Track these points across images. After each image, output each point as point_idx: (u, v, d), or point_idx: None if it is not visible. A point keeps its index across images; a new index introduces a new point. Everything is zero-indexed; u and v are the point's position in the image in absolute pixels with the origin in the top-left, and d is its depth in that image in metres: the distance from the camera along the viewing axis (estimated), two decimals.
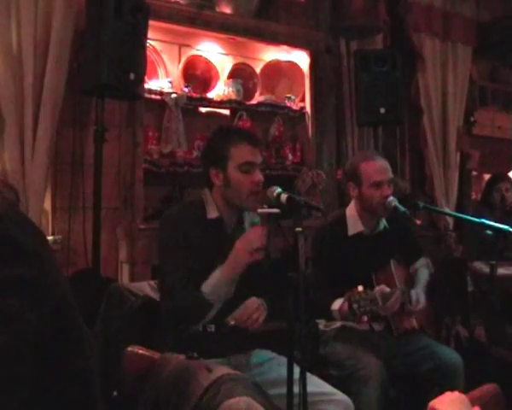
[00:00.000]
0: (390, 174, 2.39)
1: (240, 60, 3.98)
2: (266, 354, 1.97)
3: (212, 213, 1.91)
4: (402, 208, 2.31)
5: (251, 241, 1.75)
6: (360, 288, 2.00)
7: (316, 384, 1.81)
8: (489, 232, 2.16)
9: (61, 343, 0.84)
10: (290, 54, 4.13)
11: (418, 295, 2.36)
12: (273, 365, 1.91)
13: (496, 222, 2.23)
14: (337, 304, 2.14)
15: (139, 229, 3.19)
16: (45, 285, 0.80)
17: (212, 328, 1.83)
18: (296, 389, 1.55)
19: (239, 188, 1.86)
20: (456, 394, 1.04)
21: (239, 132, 2.03)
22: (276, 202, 1.78)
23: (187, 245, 1.81)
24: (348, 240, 2.42)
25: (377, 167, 2.36)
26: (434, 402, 1.02)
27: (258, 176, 1.88)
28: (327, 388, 1.83)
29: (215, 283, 1.75)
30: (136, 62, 2.89)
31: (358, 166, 2.39)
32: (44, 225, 3.05)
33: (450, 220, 4.65)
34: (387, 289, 2.17)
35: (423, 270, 2.56)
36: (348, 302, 2.01)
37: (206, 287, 1.75)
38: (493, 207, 3.88)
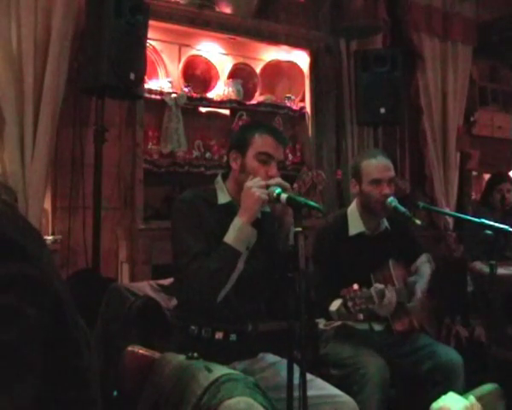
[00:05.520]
0: (391, 174, 2.38)
1: (240, 60, 3.99)
2: (270, 358, 1.96)
3: (223, 199, 1.92)
4: (402, 209, 2.30)
5: (255, 181, 1.80)
6: (355, 286, 2.01)
7: (319, 387, 1.79)
8: (489, 232, 2.16)
9: (57, 342, 0.84)
10: (290, 54, 4.13)
11: (415, 285, 2.35)
12: (277, 369, 1.89)
13: (496, 222, 2.23)
14: (335, 305, 2.14)
15: (139, 229, 3.19)
16: (43, 283, 0.81)
17: (220, 335, 1.83)
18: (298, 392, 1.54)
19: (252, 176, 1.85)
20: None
21: (267, 125, 2.04)
22: (275, 203, 1.79)
23: (201, 226, 1.83)
24: (349, 240, 2.42)
25: (378, 165, 2.37)
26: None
27: (274, 170, 1.87)
28: (330, 390, 1.80)
29: (236, 230, 1.77)
30: (136, 62, 2.90)
31: (360, 164, 2.41)
32: (44, 225, 3.05)
33: (451, 220, 4.64)
34: (381, 286, 2.16)
35: (425, 265, 2.55)
36: (343, 301, 2.01)
37: (229, 237, 1.77)
38: (493, 208, 3.87)
